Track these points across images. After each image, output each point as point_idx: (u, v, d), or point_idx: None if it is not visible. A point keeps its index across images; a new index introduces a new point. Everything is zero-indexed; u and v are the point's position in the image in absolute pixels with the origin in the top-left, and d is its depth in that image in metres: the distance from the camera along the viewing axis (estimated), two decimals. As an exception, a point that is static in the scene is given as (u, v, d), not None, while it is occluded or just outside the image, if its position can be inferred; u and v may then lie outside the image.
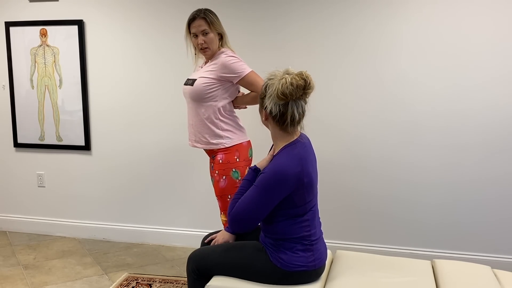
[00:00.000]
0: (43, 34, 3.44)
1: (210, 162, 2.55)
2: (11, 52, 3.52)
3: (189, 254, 1.98)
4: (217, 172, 2.36)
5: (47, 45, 3.45)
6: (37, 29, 3.44)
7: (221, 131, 2.35)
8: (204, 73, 2.34)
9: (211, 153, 2.42)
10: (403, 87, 2.94)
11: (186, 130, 3.31)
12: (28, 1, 3.44)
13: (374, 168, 3.04)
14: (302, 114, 1.82)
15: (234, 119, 2.42)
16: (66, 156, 3.57)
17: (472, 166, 2.90)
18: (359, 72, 2.99)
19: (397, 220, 3.06)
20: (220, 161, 2.35)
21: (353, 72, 3.00)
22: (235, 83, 2.33)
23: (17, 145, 3.64)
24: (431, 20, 2.84)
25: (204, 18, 2.31)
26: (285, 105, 1.78)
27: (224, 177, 2.34)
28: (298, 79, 1.74)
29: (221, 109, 2.35)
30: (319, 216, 1.97)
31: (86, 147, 3.50)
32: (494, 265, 2.86)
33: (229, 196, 2.35)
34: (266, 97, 1.79)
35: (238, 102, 2.44)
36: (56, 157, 3.59)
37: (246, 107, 2.54)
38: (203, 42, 2.32)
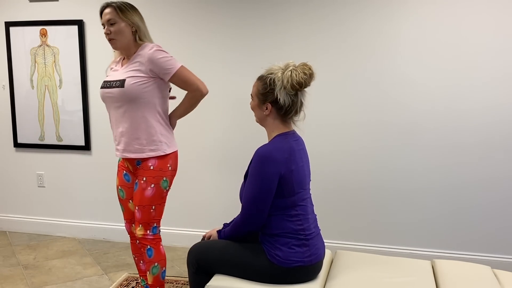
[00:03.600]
0: (43, 34, 3.45)
1: (119, 169, 2.30)
2: (11, 52, 3.52)
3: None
4: (144, 179, 2.12)
5: (47, 45, 3.45)
6: (37, 29, 3.44)
7: (160, 135, 2.13)
8: (130, 72, 2.09)
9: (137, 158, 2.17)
10: (402, 87, 2.94)
11: (185, 129, 3.32)
12: (28, 1, 3.44)
13: (374, 168, 3.04)
14: (303, 103, 1.91)
15: (169, 125, 2.22)
16: (66, 156, 3.57)
17: (472, 166, 2.90)
18: (357, 72, 2.99)
19: (397, 220, 3.06)
20: (151, 167, 2.12)
21: (351, 72, 3.00)
22: (166, 81, 2.12)
23: (17, 145, 3.64)
24: (430, 20, 2.84)
25: (113, 6, 2.10)
26: (295, 95, 1.85)
27: (152, 185, 2.11)
28: (307, 68, 1.82)
29: (159, 110, 2.14)
30: (315, 213, 1.97)
31: (86, 147, 3.50)
32: (494, 265, 2.86)
33: (153, 207, 2.14)
34: (276, 90, 1.83)
35: (177, 117, 2.22)
36: (56, 157, 3.60)
37: (175, 98, 2.34)
38: (109, 32, 2.09)
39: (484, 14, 2.77)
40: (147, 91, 2.08)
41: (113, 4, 2.11)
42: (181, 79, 2.10)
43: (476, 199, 2.92)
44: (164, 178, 2.15)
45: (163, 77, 2.09)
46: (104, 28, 2.12)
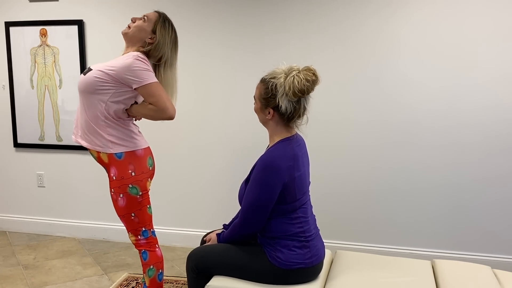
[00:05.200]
0: (43, 34, 3.44)
1: None
2: (11, 52, 3.52)
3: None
4: (112, 190, 2.07)
5: (47, 45, 3.45)
6: (37, 29, 3.44)
7: (106, 135, 2.03)
8: (105, 66, 2.00)
9: (102, 164, 2.11)
10: (403, 87, 2.94)
11: (185, 130, 3.33)
12: (28, 1, 3.44)
13: (374, 168, 3.04)
14: (306, 108, 1.87)
15: (126, 125, 2.08)
16: (66, 156, 3.57)
17: (472, 166, 2.90)
18: (358, 71, 2.99)
19: (397, 220, 3.06)
20: (114, 178, 2.05)
21: (352, 72, 3.00)
22: (133, 88, 1.97)
23: (17, 145, 3.64)
24: (431, 20, 2.84)
25: (160, 14, 2.11)
26: (298, 101, 1.81)
27: (121, 195, 2.06)
28: (310, 74, 1.77)
29: (108, 112, 2.02)
30: (314, 213, 1.97)
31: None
32: (494, 265, 2.86)
33: (133, 214, 2.08)
34: (278, 96, 1.79)
35: (132, 112, 2.07)
36: (56, 157, 3.59)
37: (140, 118, 2.19)
38: (134, 21, 2.08)
39: (484, 14, 2.76)
40: (102, 89, 1.98)
41: (161, 13, 2.12)
42: (150, 93, 1.96)
43: (476, 199, 2.92)
44: (130, 186, 2.04)
45: (131, 84, 1.96)
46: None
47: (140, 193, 2.07)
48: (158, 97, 1.97)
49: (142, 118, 2.18)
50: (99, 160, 2.10)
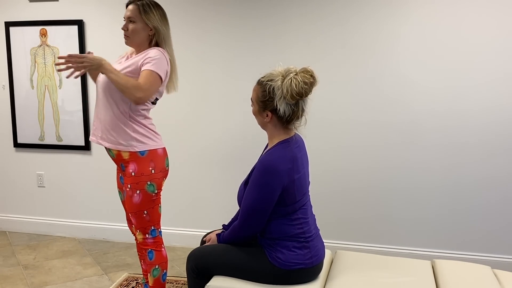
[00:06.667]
0: (43, 34, 3.44)
1: (117, 172, 2.27)
2: (11, 52, 3.52)
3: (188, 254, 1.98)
4: (129, 186, 2.07)
5: (47, 45, 3.45)
6: (37, 29, 3.44)
7: (132, 133, 2.05)
8: (127, 62, 2.08)
9: (120, 160, 2.11)
10: (403, 87, 2.94)
11: (185, 130, 3.32)
12: (28, 1, 3.44)
13: (374, 168, 3.04)
14: (305, 109, 1.86)
15: (149, 123, 2.13)
16: (66, 156, 3.57)
17: (472, 166, 2.90)
18: (358, 72, 2.99)
19: (397, 220, 3.06)
20: (133, 174, 2.06)
21: (351, 72, 3.00)
22: (142, 70, 2.01)
23: (17, 145, 3.64)
24: (431, 20, 2.84)
25: (137, 4, 2.05)
26: (296, 104, 1.80)
27: (138, 191, 2.06)
28: (308, 76, 1.75)
29: (134, 108, 2.05)
30: (314, 213, 1.97)
31: (86, 147, 3.49)
32: (494, 265, 2.86)
33: (145, 212, 2.10)
34: (276, 99, 1.78)
35: (111, 72, 1.97)
36: (56, 157, 3.59)
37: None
38: (126, 28, 2.06)
39: (484, 14, 2.76)
40: None
41: (138, 2, 2.06)
42: (146, 75, 1.97)
43: (476, 199, 2.92)
44: (149, 183, 2.07)
45: (142, 67, 2.01)
46: (124, 20, 2.09)
47: (156, 191, 2.10)
48: (148, 82, 1.96)
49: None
50: (117, 157, 2.10)
